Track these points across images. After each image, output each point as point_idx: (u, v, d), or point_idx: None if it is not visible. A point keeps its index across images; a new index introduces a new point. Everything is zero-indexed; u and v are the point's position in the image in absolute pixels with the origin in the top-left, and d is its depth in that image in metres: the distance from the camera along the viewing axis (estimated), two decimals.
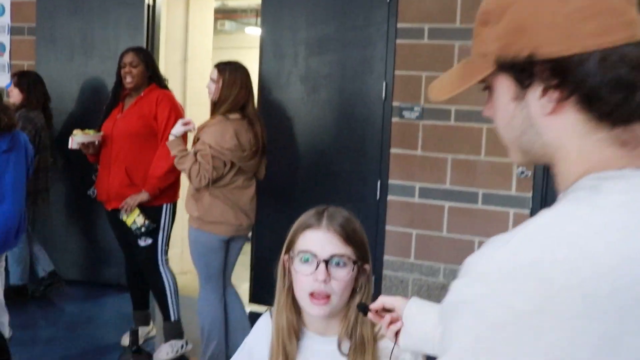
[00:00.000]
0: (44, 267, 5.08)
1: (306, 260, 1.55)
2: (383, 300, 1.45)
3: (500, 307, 0.74)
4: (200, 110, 4.45)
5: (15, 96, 4.75)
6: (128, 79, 4.03)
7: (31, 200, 4.69)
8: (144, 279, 4.18)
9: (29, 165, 3.68)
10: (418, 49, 4.60)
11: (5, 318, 3.73)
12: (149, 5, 5.26)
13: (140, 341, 4.26)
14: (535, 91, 0.85)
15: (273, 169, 4.59)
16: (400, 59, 4.63)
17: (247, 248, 4.95)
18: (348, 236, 1.56)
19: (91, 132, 4.07)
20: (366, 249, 1.62)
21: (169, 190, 4.06)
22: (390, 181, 4.70)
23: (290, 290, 1.61)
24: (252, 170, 3.70)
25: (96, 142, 4.06)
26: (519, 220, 4.42)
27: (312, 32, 4.80)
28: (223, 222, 3.63)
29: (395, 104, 4.65)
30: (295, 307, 1.63)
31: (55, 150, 5.07)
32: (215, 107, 3.62)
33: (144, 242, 4.01)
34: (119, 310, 4.86)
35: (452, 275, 4.59)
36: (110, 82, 4.35)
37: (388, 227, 4.74)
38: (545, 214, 0.82)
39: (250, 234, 4.38)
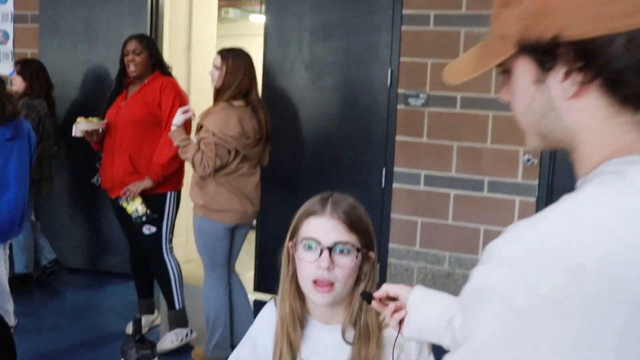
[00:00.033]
0: (47, 255, 5.09)
1: (309, 248, 1.53)
2: (387, 289, 1.43)
3: (527, 293, 0.73)
4: (204, 97, 4.43)
5: (18, 84, 4.73)
6: (131, 67, 4.00)
7: (35, 188, 4.69)
8: (148, 267, 4.17)
9: (32, 153, 3.67)
10: (423, 35, 4.56)
11: (10, 306, 3.73)
12: None
13: (145, 330, 4.26)
14: (557, 74, 0.83)
15: (277, 157, 4.57)
16: (405, 46, 4.60)
17: (251, 236, 4.94)
18: (352, 223, 1.54)
19: (95, 119, 4.05)
20: (371, 237, 1.59)
21: (172, 178, 4.04)
22: (396, 169, 4.68)
23: (295, 277, 1.60)
24: (256, 158, 3.69)
25: (100, 130, 4.04)
26: (525, 208, 4.39)
27: (316, 18, 4.77)
28: (228, 210, 3.61)
29: (400, 91, 4.62)
30: (299, 295, 1.61)
31: (58, 139, 5.06)
32: (219, 94, 3.60)
33: (148, 230, 4.00)
34: (124, 299, 4.86)
35: (457, 263, 4.57)
36: (114, 69, 4.33)
37: (393, 215, 4.72)
38: (569, 199, 0.80)
39: (254, 222, 4.37)
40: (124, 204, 3.93)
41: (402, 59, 4.60)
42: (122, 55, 4.05)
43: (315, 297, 1.55)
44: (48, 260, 5.08)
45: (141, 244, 4.10)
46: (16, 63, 4.98)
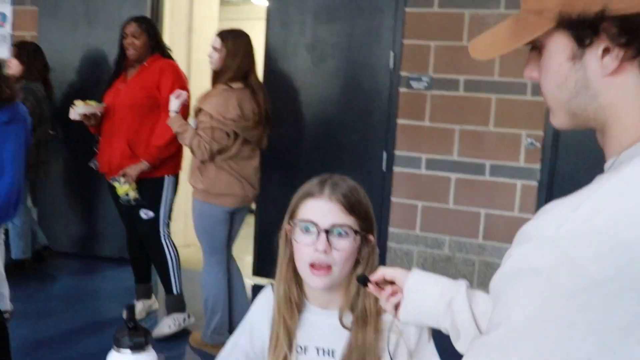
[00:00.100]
0: (40, 241, 5.07)
1: (307, 230, 1.50)
2: (383, 272, 1.39)
3: (574, 273, 0.72)
4: (205, 81, 4.36)
5: (14, 67, 4.68)
6: (130, 50, 3.96)
7: (32, 172, 4.66)
8: (146, 252, 4.14)
9: (28, 137, 3.63)
10: (427, 17, 4.51)
11: (6, 291, 3.71)
12: None
13: (143, 315, 4.25)
14: (596, 50, 0.82)
15: (278, 140, 4.53)
16: (409, 28, 4.54)
17: (250, 220, 4.92)
18: (351, 206, 1.50)
19: (93, 103, 4.01)
20: (371, 220, 1.56)
21: (170, 162, 4.01)
22: (397, 152, 4.64)
23: (292, 261, 1.56)
24: (256, 140, 3.65)
25: (98, 113, 4.00)
26: (526, 192, 4.36)
27: (319, 0, 4.71)
28: (229, 194, 3.58)
29: (403, 73, 4.58)
30: (296, 279, 1.58)
31: (55, 122, 5.01)
32: (218, 76, 3.56)
33: (145, 215, 3.97)
34: (121, 284, 4.84)
35: (458, 247, 4.54)
36: (113, 52, 4.28)
37: (393, 199, 4.69)
38: (612, 178, 0.78)
39: (253, 206, 4.34)
40: (116, 184, 3.88)
41: (405, 41, 4.55)
42: (121, 38, 4.01)
43: (312, 281, 1.51)
44: (40, 245, 5.06)
45: (138, 228, 4.07)
46: (12, 46, 4.93)
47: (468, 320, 1.24)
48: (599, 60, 0.82)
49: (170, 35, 5.59)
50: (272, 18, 4.85)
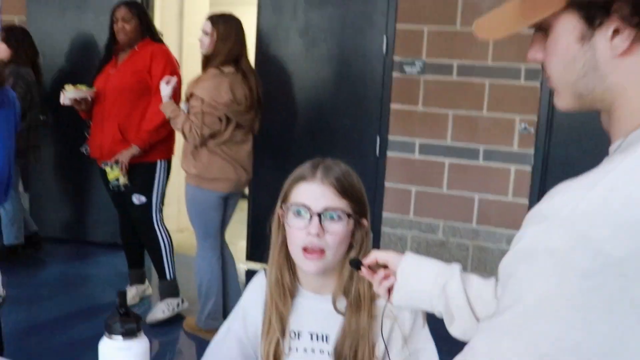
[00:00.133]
0: (30, 228, 5.04)
1: (299, 214, 1.48)
2: (376, 255, 1.38)
3: (591, 252, 0.72)
4: (197, 66, 4.32)
5: (2, 52, 4.62)
6: (121, 35, 3.93)
7: (23, 158, 4.62)
8: (139, 237, 4.12)
9: (18, 121, 3.61)
10: (420, 1, 4.48)
11: None
12: None
13: (136, 300, 4.25)
14: (607, 31, 0.81)
15: (271, 125, 4.51)
16: (401, 13, 4.51)
17: (243, 205, 4.90)
18: (344, 189, 1.49)
19: (83, 87, 3.97)
20: (364, 204, 1.54)
21: (162, 147, 3.98)
22: (390, 137, 4.63)
23: (285, 245, 1.55)
24: (248, 125, 3.62)
25: (89, 98, 3.96)
26: (520, 177, 4.36)
27: None
28: (222, 179, 3.56)
29: (396, 58, 4.55)
30: (289, 264, 1.57)
31: (46, 107, 4.97)
32: (209, 60, 3.52)
33: (137, 200, 3.94)
34: (114, 269, 4.83)
35: (451, 232, 4.54)
36: (104, 37, 4.23)
37: (387, 184, 4.68)
38: (627, 158, 0.78)
39: (246, 190, 4.32)
40: (107, 169, 3.86)
41: (398, 25, 4.52)
42: (112, 23, 3.97)
43: (305, 265, 1.50)
44: (30, 232, 5.03)
45: (131, 213, 4.05)
46: (1, 30, 4.87)
47: (462, 303, 1.23)
48: (608, 41, 0.81)
49: (161, 20, 5.54)
50: (264, 2, 4.80)
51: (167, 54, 4.02)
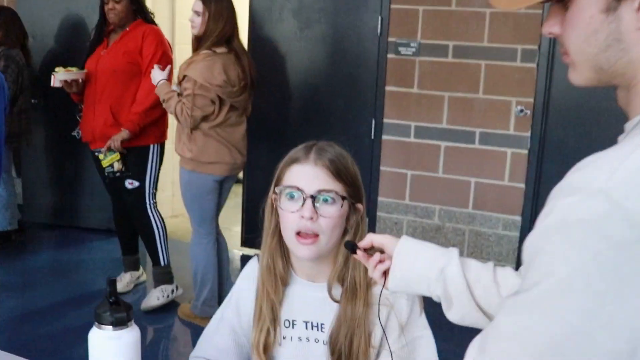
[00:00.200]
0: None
1: (292, 197, 1.44)
2: (372, 238, 1.33)
3: (627, 223, 0.70)
4: (190, 47, 4.27)
5: None
6: (111, 15, 3.86)
7: (15, 142, 4.56)
8: (132, 223, 4.08)
9: (7, 105, 3.54)
10: None
11: None
12: None
13: (130, 286, 4.21)
14: (633, 2, 0.79)
15: (265, 108, 4.46)
16: None
17: (238, 190, 4.86)
18: (338, 171, 1.44)
19: (74, 69, 3.91)
20: (359, 187, 1.50)
21: (155, 130, 3.93)
22: (385, 120, 4.58)
23: (278, 230, 1.51)
24: (242, 106, 3.58)
25: (80, 80, 3.90)
26: (516, 160, 4.32)
27: None
28: (218, 162, 3.52)
29: (391, 39, 4.49)
30: (282, 250, 1.53)
31: (36, 90, 4.90)
32: (200, 41, 3.46)
33: (130, 184, 3.89)
34: (107, 255, 4.79)
35: (447, 216, 4.50)
36: (94, 18, 4.16)
37: (382, 168, 4.63)
38: None
39: (241, 175, 4.28)
40: (101, 156, 3.81)
41: (393, 6, 4.46)
42: (102, 3, 3.90)
43: (299, 250, 1.45)
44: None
45: (124, 199, 4.00)
46: None
47: (462, 288, 1.19)
48: (635, 12, 0.80)
49: (153, 1, 5.45)
50: None
51: (159, 34, 3.95)
